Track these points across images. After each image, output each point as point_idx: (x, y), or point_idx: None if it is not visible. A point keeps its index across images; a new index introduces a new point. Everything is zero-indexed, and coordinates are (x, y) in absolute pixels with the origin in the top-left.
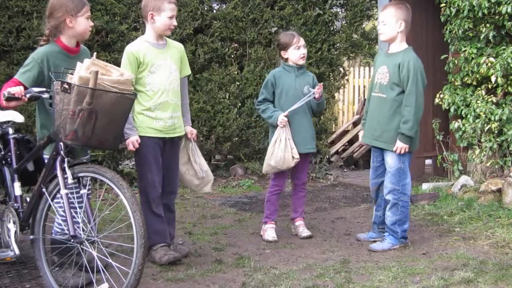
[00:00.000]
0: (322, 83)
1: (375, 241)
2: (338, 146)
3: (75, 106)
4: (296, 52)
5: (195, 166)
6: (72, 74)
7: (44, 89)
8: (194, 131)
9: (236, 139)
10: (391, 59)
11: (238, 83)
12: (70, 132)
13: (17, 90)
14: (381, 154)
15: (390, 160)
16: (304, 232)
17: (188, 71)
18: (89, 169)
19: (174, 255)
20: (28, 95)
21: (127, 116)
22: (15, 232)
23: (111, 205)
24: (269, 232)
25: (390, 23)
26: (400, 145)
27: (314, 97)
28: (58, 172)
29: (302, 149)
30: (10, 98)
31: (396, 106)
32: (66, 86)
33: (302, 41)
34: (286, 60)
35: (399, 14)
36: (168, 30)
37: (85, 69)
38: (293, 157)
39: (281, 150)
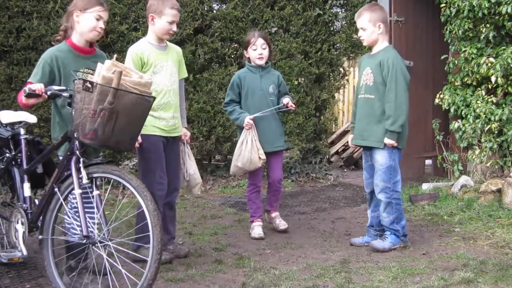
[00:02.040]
0: (289, 101)
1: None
2: (338, 146)
3: (96, 106)
4: (253, 52)
5: (182, 168)
6: (91, 74)
7: (64, 87)
8: (188, 134)
9: (236, 139)
10: (373, 59)
11: None
12: (90, 131)
13: (38, 86)
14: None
15: (380, 158)
16: (281, 224)
17: (185, 73)
18: (114, 172)
19: (170, 256)
20: (49, 92)
21: (145, 118)
22: (23, 233)
23: (112, 205)
24: (256, 230)
25: (368, 28)
26: (387, 141)
27: (287, 105)
28: (73, 172)
29: (271, 148)
30: (30, 95)
31: (383, 106)
32: (89, 85)
33: (260, 41)
34: (249, 60)
35: (375, 17)
36: (167, 34)
37: (106, 69)
38: (259, 157)
39: (248, 151)
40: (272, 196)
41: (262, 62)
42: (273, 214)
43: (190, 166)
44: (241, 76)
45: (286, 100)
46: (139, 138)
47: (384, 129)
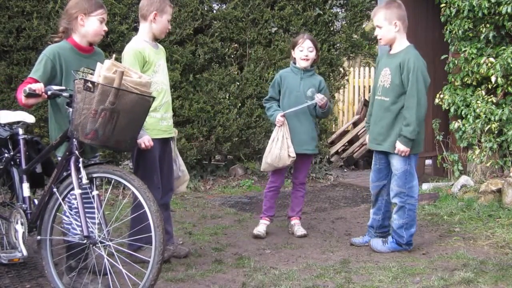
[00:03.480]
0: (325, 95)
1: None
2: (338, 146)
3: (97, 106)
4: (299, 53)
5: (174, 166)
6: (91, 74)
7: (64, 87)
8: (176, 131)
9: (236, 139)
10: (393, 60)
11: (238, 83)
12: (91, 131)
13: (38, 86)
14: (385, 157)
15: (396, 163)
16: (299, 231)
17: None
18: (116, 172)
19: (168, 254)
20: (49, 92)
21: (145, 118)
22: (23, 233)
23: (112, 205)
24: (259, 227)
25: (384, 26)
26: (401, 148)
27: (319, 106)
28: (72, 172)
29: (298, 149)
30: (30, 95)
31: (399, 109)
32: (90, 85)
33: (307, 43)
34: (295, 60)
35: (391, 15)
36: (164, 33)
37: (106, 69)
38: (289, 155)
39: (278, 148)
40: (295, 199)
41: (306, 64)
42: (293, 221)
43: (181, 163)
44: (282, 76)
45: (319, 96)
46: (150, 139)
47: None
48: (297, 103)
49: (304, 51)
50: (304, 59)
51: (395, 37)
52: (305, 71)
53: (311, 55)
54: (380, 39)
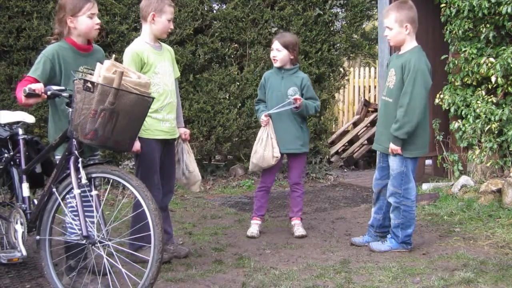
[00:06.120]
0: (298, 96)
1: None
2: (338, 146)
3: (97, 106)
4: (271, 54)
5: (182, 165)
6: (90, 74)
7: (63, 87)
8: (188, 132)
9: (236, 139)
10: (398, 60)
11: (238, 83)
12: (90, 131)
13: (38, 86)
14: (387, 156)
15: (392, 163)
16: (297, 231)
17: (178, 73)
18: (114, 172)
19: (169, 256)
20: (49, 92)
21: (144, 119)
22: (23, 233)
23: (112, 205)
24: (251, 228)
25: (394, 28)
26: (391, 146)
27: (294, 107)
28: (72, 172)
29: (283, 149)
30: (30, 95)
31: None
32: (89, 85)
33: (275, 45)
34: None
35: (402, 17)
36: (165, 33)
37: (105, 69)
38: (273, 155)
39: (262, 148)
40: (292, 200)
41: (276, 64)
42: (293, 222)
43: (190, 164)
44: (266, 77)
45: (293, 98)
46: (139, 142)
47: None
48: (279, 103)
49: (273, 51)
50: (274, 60)
51: (405, 39)
52: (286, 70)
53: (280, 55)
54: (389, 39)
